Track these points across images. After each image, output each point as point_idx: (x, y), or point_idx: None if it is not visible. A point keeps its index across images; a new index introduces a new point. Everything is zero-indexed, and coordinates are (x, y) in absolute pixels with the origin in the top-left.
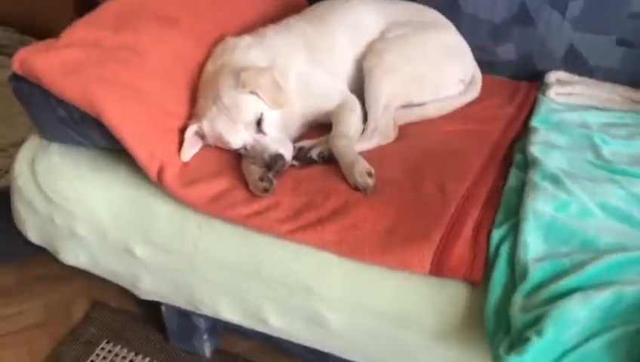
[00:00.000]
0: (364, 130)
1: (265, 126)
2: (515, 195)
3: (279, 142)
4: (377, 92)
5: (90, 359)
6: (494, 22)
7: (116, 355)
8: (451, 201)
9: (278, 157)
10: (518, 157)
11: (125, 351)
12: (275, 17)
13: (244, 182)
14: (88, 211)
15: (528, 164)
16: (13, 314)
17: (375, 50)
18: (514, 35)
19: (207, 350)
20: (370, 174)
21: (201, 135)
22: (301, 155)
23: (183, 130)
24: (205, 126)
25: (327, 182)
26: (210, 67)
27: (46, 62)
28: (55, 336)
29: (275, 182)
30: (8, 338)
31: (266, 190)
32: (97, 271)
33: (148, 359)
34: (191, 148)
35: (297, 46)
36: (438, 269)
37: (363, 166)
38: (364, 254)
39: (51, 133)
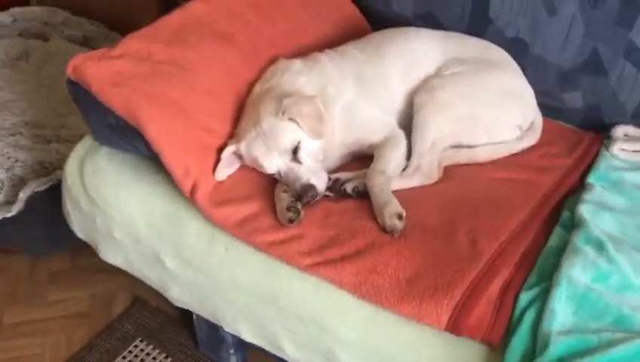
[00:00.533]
0: (406, 167)
1: (301, 155)
2: (554, 257)
3: (313, 172)
4: (425, 129)
5: (123, 355)
6: (563, 67)
7: (147, 354)
8: (481, 257)
9: (309, 187)
10: (565, 214)
11: (157, 352)
12: (335, 40)
13: (274, 208)
14: (126, 217)
15: (575, 223)
16: (59, 301)
17: (428, 86)
18: (583, 84)
19: None
20: (400, 217)
21: (238, 155)
22: (336, 187)
23: (222, 149)
24: (243, 148)
25: (357, 219)
26: (258, 88)
27: (97, 71)
28: (94, 328)
29: (302, 212)
30: (51, 324)
31: (291, 220)
32: (132, 272)
33: None
34: (226, 167)
35: (348, 76)
36: (455, 327)
37: (394, 207)
38: (382, 299)
39: (101, 136)
